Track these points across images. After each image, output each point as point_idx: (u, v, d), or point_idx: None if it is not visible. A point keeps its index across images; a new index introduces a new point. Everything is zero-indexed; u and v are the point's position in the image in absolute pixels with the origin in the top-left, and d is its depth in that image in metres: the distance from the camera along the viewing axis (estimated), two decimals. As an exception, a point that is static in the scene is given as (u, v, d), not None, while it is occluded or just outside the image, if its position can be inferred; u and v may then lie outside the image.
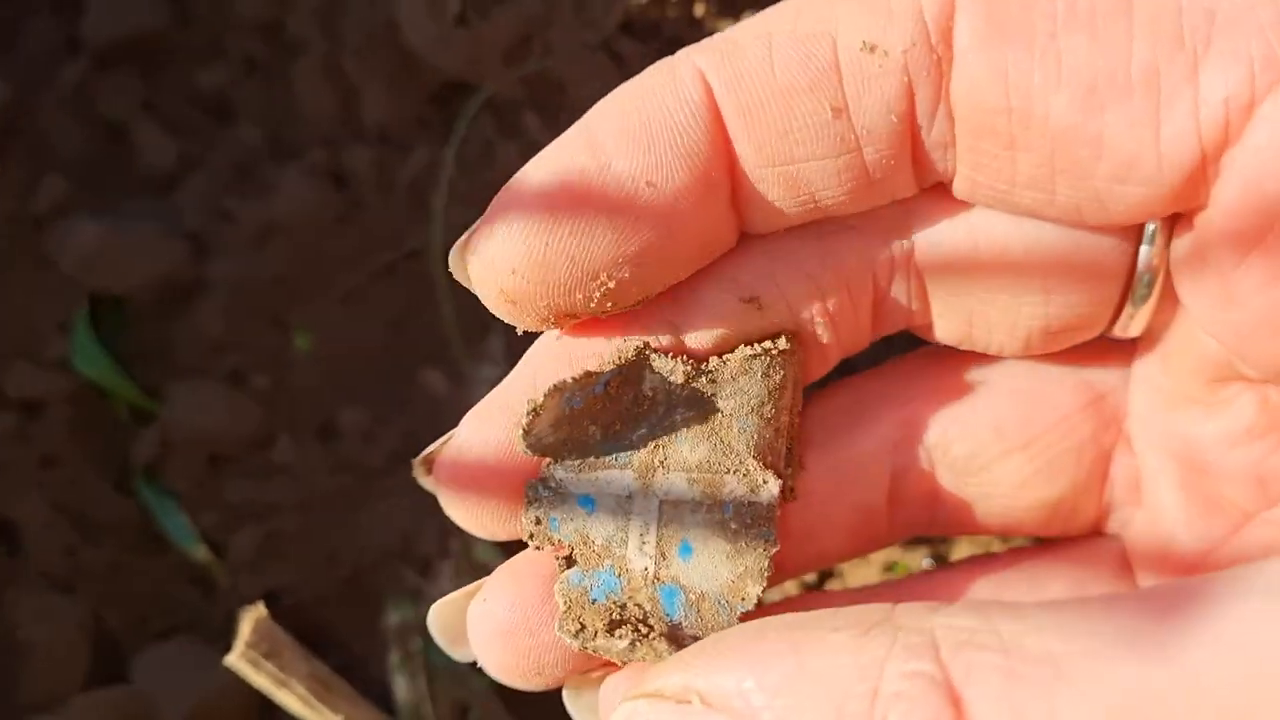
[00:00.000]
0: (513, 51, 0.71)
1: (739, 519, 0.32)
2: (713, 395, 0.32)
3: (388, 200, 0.78)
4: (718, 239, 0.32)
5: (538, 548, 0.33)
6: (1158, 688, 0.20)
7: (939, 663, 0.22)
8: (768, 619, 0.27)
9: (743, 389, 0.32)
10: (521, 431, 0.31)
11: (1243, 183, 0.27)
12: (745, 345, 0.33)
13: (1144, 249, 0.32)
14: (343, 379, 0.78)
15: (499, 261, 0.30)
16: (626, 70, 0.70)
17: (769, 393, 0.32)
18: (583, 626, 0.31)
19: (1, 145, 0.79)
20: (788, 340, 0.33)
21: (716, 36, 0.30)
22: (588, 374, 0.31)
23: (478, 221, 0.31)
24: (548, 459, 0.32)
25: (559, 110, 0.73)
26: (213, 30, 0.81)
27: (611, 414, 0.32)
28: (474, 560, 0.74)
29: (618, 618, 0.31)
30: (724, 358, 0.32)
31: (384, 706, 0.72)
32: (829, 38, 0.28)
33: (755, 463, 0.32)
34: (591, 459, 0.32)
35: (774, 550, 0.32)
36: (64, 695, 0.67)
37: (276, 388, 0.78)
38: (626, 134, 0.29)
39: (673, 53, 0.73)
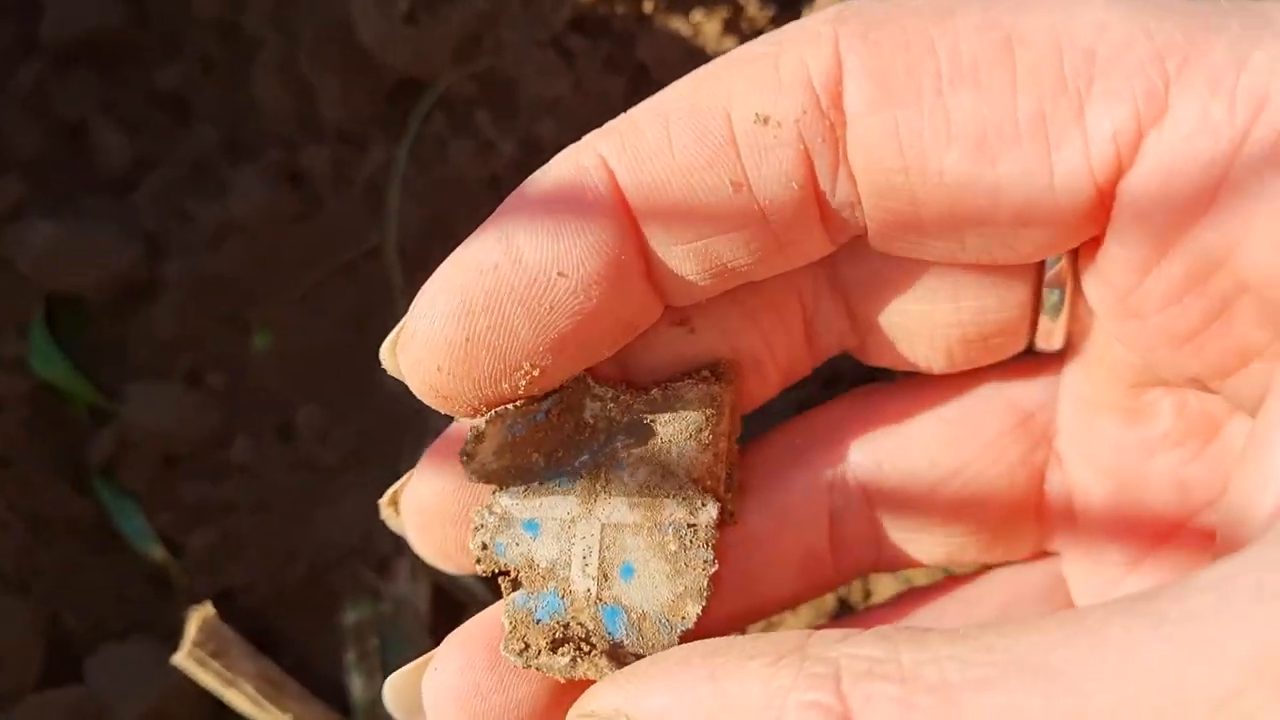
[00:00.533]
0: (463, 49, 0.71)
1: (678, 541, 0.33)
2: (652, 422, 0.33)
3: (345, 199, 0.78)
4: (639, 316, 0.33)
5: (485, 572, 0.34)
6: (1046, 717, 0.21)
7: (839, 694, 0.23)
8: (698, 643, 0.28)
9: (681, 416, 0.33)
10: (464, 457, 0.32)
11: (1136, 211, 0.28)
12: (685, 375, 0.34)
13: (1048, 263, 0.33)
14: (300, 378, 0.78)
15: (425, 360, 0.31)
16: (576, 67, 0.70)
17: (706, 419, 0.33)
18: (526, 646, 0.32)
19: (-41, 146, 0.79)
20: (724, 367, 0.34)
21: (619, 119, 0.31)
22: (529, 401, 0.32)
23: (404, 319, 0.32)
24: (493, 486, 0.33)
25: (510, 107, 0.73)
26: (170, 30, 0.81)
27: (554, 441, 0.33)
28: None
29: (560, 636, 0.32)
30: (663, 385, 0.34)
31: (340, 706, 0.72)
32: (724, 113, 0.29)
33: (694, 486, 0.33)
34: (535, 485, 0.33)
35: (713, 570, 0.33)
36: (16, 696, 0.67)
37: (234, 387, 0.78)
38: (535, 226, 0.30)
39: (622, 49, 0.73)
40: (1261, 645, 0.20)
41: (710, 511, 0.33)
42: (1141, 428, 0.34)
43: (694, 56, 0.70)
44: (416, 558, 0.75)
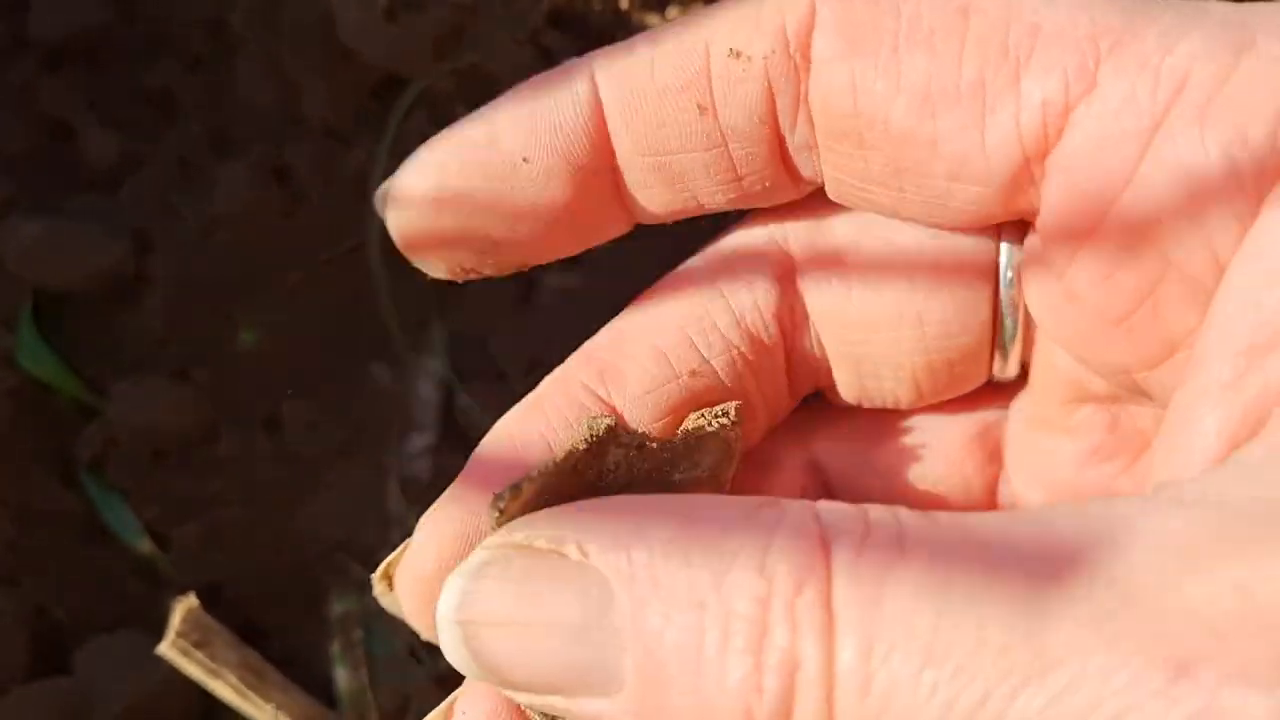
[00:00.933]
0: (443, 45, 0.72)
1: None
2: (670, 469, 0.33)
3: (329, 195, 0.79)
4: (602, 222, 0.35)
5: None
6: (970, 555, 0.23)
7: (820, 527, 0.24)
8: (651, 496, 0.28)
9: (696, 462, 0.34)
10: (496, 513, 0.31)
11: (1064, 183, 0.29)
12: (695, 413, 0.34)
13: (1003, 291, 0.34)
14: (286, 372, 0.79)
15: (402, 207, 0.33)
16: (554, 63, 0.71)
17: (720, 463, 0.34)
18: None
19: (-53, 144, 0.80)
20: (738, 412, 0.34)
21: (621, 44, 0.34)
22: (565, 458, 0.32)
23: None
24: None
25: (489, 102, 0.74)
26: (156, 28, 0.82)
27: (574, 488, 0.32)
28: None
29: None
30: (680, 432, 0.34)
31: (325, 697, 0.73)
32: (704, 46, 0.32)
33: None
34: None
35: None
36: (4, 688, 0.68)
37: (220, 381, 0.78)
38: (516, 116, 0.33)
39: (599, 45, 0.73)
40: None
41: None
42: (1076, 442, 0.36)
43: (672, 52, 0.70)
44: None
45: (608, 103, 0.32)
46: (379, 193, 0.34)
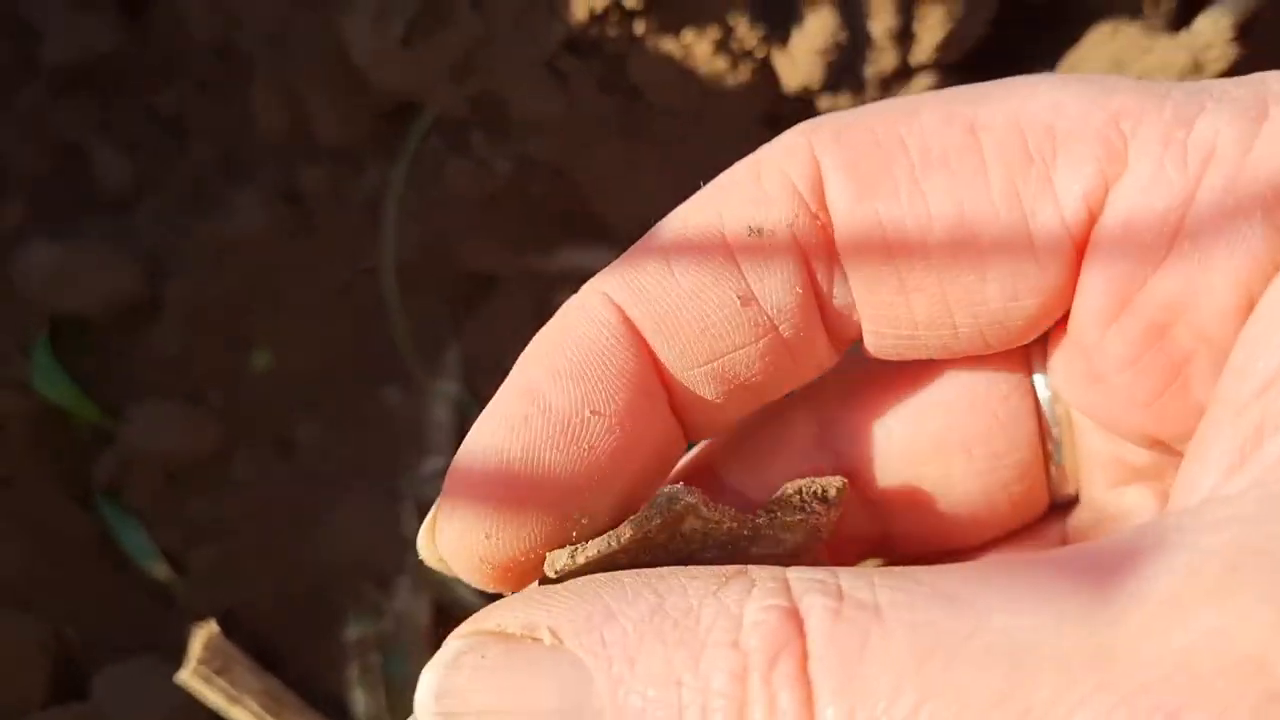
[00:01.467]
0: (457, 71, 0.72)
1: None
2: (748, 544, 0.31)
3: (341, 218, 0.79)
4: (669, 448, 0.33)
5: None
6: (954, 633, 0.22)
7: (791, 599, 0.24)
8: (619, 572, 0.27)
9: (779, 540, 0.31)
10: (552, 574, 0.30)
11: (1098, 263, 0.29)
12: (793, 483, 0.32)
13: (1043, 401, 0.33)
14: (300, 395, 0.79)
15: (470, 531, 0.30)
16: (569, 87, 0.71)
17: (798, 546, 0.32)
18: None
19: (-40, 169, 0.80)
20: (838, 493, 0.32)
21: (615, 263, 0.32)
22: (641, 528, 0.30)
23: (436, 505, 0.31)
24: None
25: (504, 127, 0.74)
26: (168, 52, 0.82)
27: (643, 550, 0.31)
28: (431, 575, 0.75)
29: None
30: (770, 511, 0.31)
31: (342, 720, 0.73)
32: (718, 233, 0.30)
33: None
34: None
35: None
36: (22, 713, 0.68)
37: (234, 404, 0.78)
38: (556, 372, 0.30)
39: (614, 70, 0.73)
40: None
41: None
42: (1127, 522, 0.35)
43: (685, 77, 0.70)
44: (418, 573, 0.76)
45: (641, 323, 0.30)
46: (421, 541, 0.31)
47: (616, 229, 0.76)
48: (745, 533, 0.31)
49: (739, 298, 0.30)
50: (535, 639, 0.25)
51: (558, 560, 0.29)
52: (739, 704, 0.23)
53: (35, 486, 0.76)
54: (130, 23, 0.82)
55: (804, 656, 0.23)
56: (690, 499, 0.29)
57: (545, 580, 0.30)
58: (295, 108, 0.79)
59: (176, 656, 0.74)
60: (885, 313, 0.31)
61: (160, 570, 0.75)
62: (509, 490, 0.29)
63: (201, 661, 0.61)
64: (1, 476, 0.75)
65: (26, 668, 0.70)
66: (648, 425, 0.31)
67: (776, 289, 0.30)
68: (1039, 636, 0.22)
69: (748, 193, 0.30)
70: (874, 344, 0.32)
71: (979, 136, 0.29)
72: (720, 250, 0.30)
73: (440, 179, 0.75)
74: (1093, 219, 0.28)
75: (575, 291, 0.32)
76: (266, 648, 0.76)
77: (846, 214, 0.30)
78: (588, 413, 0.30)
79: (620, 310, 0.30)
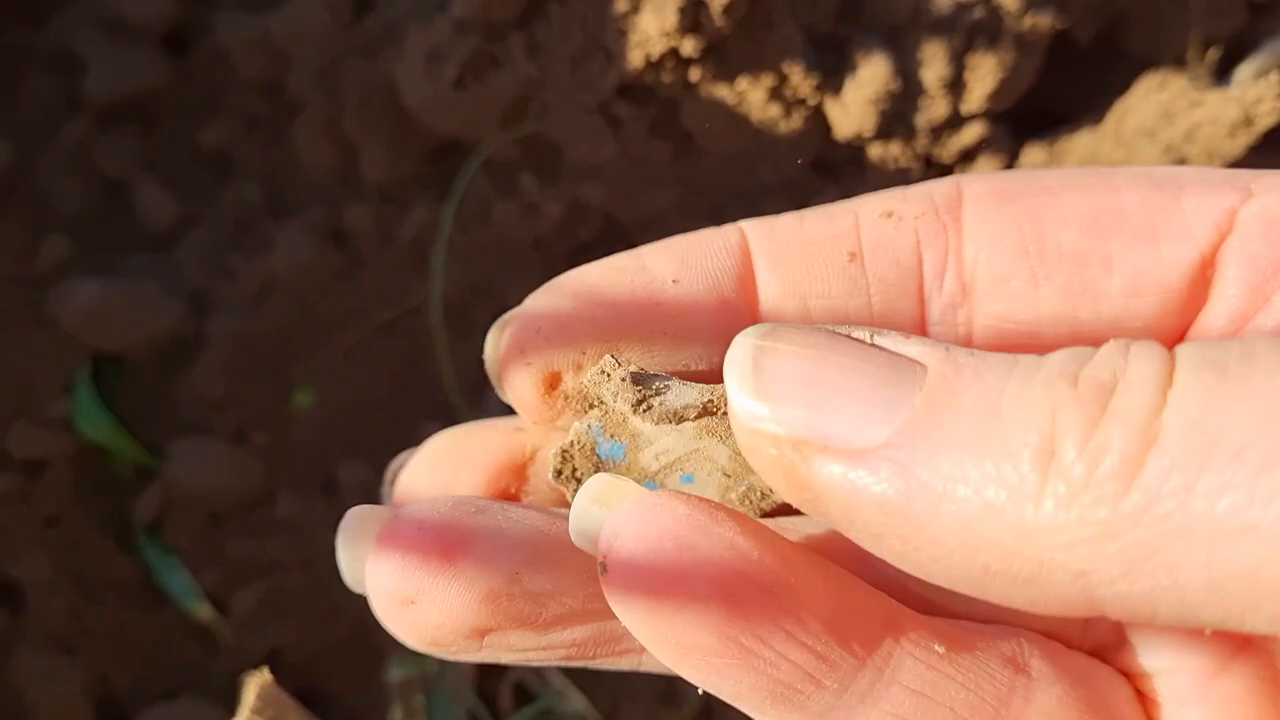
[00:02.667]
0: (509, 113, 0.72)
1: (743, 496, 0.34)
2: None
3: (387, 257, 0.79)
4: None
5: (585, 391, 0.34)
6: None
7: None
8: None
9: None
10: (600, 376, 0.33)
11: (1223, 278, 0.31)
12: None
13: None
14: (343, 434, 0.79)
15: (528, 327, 0.33)
16: (622, 132, 0.71)
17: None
18: (573, 469, 0.33)
19: (2, 205, 0.79)
20: None
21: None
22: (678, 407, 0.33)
23: (521, 315, 0.34)
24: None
25: (555, 171, 0.74)
26: (213, 89, 0.82)
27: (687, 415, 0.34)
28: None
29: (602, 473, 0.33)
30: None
31: (387, 763, 0.73)
32: (852, 212, 0.34)
33: None
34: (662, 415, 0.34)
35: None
36: (68, 758, 0.68)
37: (277, 444, 0.78)
38: (666, 249, 0.34)
39: (667, 116, 0.73)
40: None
41: (777, 500, 0.33)
42: None
43: (738, 123, 0.71)
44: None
45: (756, 249, 0.33)
46: (501, 322, 0.34)
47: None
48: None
49: (849, 254, 0.33)
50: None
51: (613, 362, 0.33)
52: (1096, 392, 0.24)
53: (77, 527, 0.75)
54: (175, 59, 0.82)
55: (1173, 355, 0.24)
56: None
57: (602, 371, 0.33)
58: (342, 146, 0.79)
59: (219, 698, 0.74)
60: (1011, 304, 0.33)
61: (203, 611, 0.75)
62: (575, 300, 0.33)
63: (255, 711, 0.61)
64: (44, 517, 0.75)
65: (70, 710, 0.70)
66: (719, 321, 0.33)
67: (884, 260, 0.33)
68: None
69: (889, 194, 0.33)
70: (987, 336, 0.34)
71: (1113, 177, 0.32)
72: (848, 219, 0.33)
73: (488, 220, 0.75)
74: (1220, 237, 0.30)
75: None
76: (310, 689, 0.75)
77: (984, 216, 0.32)
78: (669, 280, 0.33)
79: (744, 238, 0.33)
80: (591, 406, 0.34)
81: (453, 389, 0.78)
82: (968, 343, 0.34)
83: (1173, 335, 0.33)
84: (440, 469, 0.36)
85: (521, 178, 0.75)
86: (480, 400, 0.79)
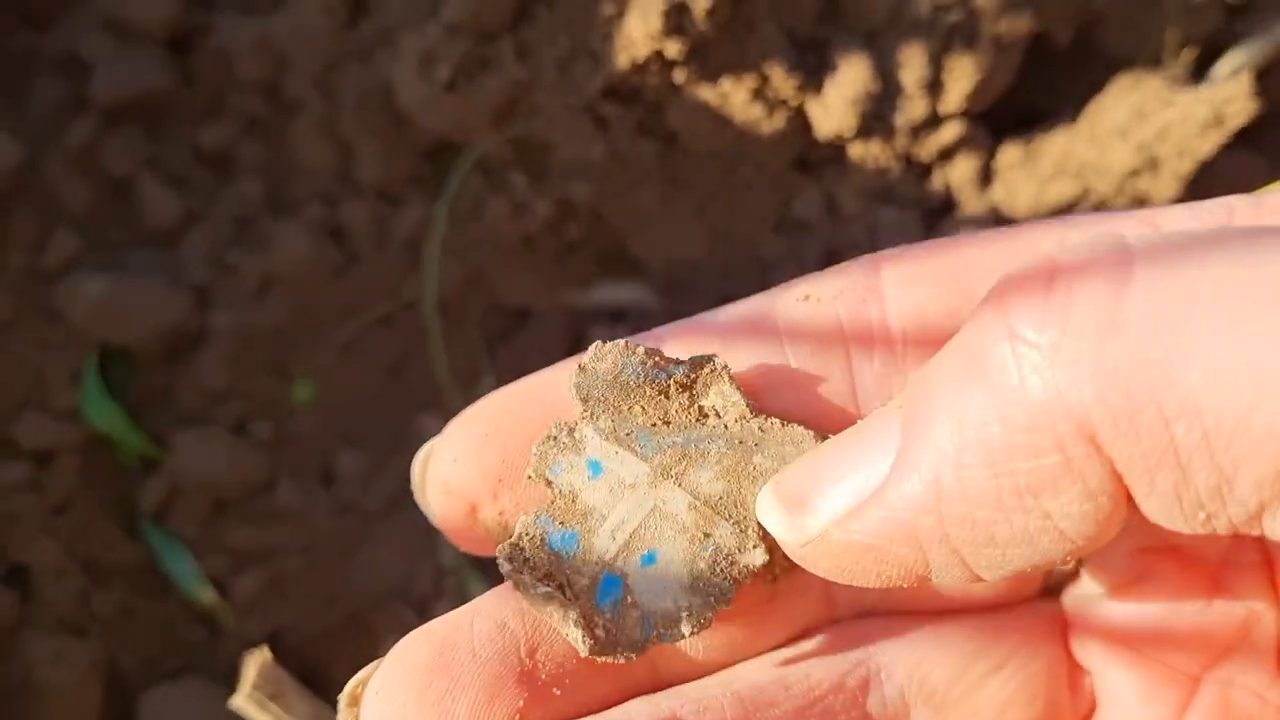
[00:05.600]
0: (500, 114, 0.74)
1: (711, 564, 0.32)
2: (756, 447, 0.32)
3: (383, 254, 0.82)
4: None
5: (532, 476, 0.33)
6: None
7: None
8: None
9: (784, 455, 0.32)
10: (579, 367, 0.32)
11: None
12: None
13: None
14: (342, 425, 0.81)
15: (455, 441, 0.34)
16: (609, 132, 0.73)
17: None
18: (524, 556, 0.31)
19: (12, 203, 0.82)
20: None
21: None
22: (660, 356, 0.32)
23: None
24: (583, 411, 0.33)
25: (544, 170, 0.76)
26: (215, 90, 0.85)
27: (661, 410, 0.33)
28: (468, 599, 0.77)
29: (555, 571, 0.32)
30: (786, 423, 0.33)
31: (383, 742, 0.75)
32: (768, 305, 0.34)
33: (757, 526, 0.32)
34: (622, 434, 0.33)
35: (723, 609, 0.32)
36: (77, 736, 0.71)
37: (278, 434, 0.81)
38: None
39: (653, 116, 0.75)
40: None
41: (756, 557, 0.32)
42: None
43: (721, 124, 0.73)
44: (456, 599, 0.78)
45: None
46: (422, 451, 0.34)
47: (651, 269, 0.78)
48: (758, 431, 0.33)
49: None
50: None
51: (600, 346, 0.33)
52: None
53: (85, 514, 0.78)
54: (178, 61, 0.85)
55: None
56: (720, 360, 0.33)
57: (581, 364, 0.33)
58: (339, 146, 0.81)
59: (221, 679, 0.77)
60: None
61: (206, 595, 0.77)
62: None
63: (256, 687, 0.63)
64: (52, 505, 0.77)
65: (80, 691, 0.73)
66: None
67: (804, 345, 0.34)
68: None
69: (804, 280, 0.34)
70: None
71: (1029, 229, 0.33)
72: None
73: (480, 218, 0.78)
74: None
75: (608, 325, 0.34)
76: (309, 672, 0.78)
77: (897, 262, 0.33)
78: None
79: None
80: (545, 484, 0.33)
81: (446, 381, 0.81)
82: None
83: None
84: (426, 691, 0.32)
85: (512, 176, 0.77)
86: (473, 391, 0.81)
